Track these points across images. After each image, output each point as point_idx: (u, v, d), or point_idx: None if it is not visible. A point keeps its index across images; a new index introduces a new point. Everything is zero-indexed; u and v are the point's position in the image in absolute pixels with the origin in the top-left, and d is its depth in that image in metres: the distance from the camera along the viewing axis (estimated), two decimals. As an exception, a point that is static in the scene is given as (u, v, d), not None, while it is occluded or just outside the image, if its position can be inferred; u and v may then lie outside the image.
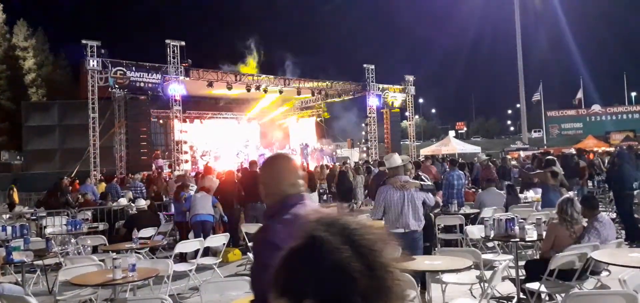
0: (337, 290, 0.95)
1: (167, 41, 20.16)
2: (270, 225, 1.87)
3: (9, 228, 7.73)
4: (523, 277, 5.35)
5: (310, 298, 0.96)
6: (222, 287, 4.63)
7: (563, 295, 4.56)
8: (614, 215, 9.76)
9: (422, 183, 5.90)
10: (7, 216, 11.40)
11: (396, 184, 5.67)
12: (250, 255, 5.99)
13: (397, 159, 5.92)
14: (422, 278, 4.84)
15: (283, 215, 1.90)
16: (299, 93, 25.29)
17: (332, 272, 0.96)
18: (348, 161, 23.61)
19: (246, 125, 28.73)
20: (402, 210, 5.56)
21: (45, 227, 9.49)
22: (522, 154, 26.37)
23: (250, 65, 27.35)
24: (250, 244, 8.22)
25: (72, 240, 8.03)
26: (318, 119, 29.79)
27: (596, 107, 46.29)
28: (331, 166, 16.18)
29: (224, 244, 7.47)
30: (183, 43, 20.36)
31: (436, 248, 7.51)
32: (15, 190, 16.20)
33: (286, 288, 1.00)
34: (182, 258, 7.64)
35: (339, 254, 0.97)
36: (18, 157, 41.11)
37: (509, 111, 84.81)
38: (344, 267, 0.96)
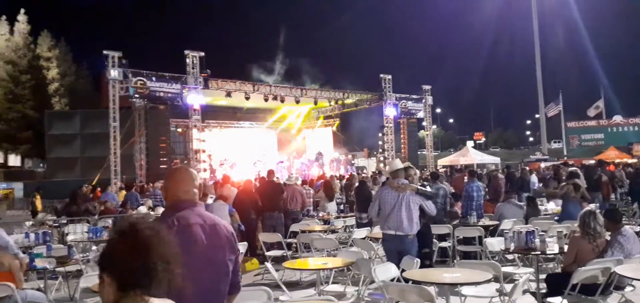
0: (133, 264, 1.55)
1: (187, 52, 20.45)
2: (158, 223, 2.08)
3: (32, 235, 7.87)
4: (544, 291, 5.26)
5: (117, 267, 1.57)
6: (240, 296, 4.64)
7: (586, 310, 4.49)
8: (638, 229, 9.54)
9: (419, 187, 5.82)
10: (30, 223, 11.62)
11: (392, 185, 5.74)
12: (268, 264, 6.00)
13: (397, 163, 6.06)
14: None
15: (170, 217, 2.30)
16: (315, 103, 25.37)
17: (134, 251, 1.57)
18: (365, 171, 23.57)
19: (263, 134, 28.90)
20: (394, 211, 5.60)
21: (67, 234, 9.64)
22: (542, 165, 26.00)
23: (271, 75, 27.64)
24: (267, 253, 8.25)
25: (93, 247, 8.13)
26: (334, 129, 29.83)
27: (618, 118, 45.37)
28: (347, 176, 16.12)
29: (241, 253, 7.50)
30: (202, 53, 20.63)
31: (455, 260, 7.45)
32: (38, 197, 16.52)
33: (108, 266, 1.60)
34: (200, 266, 7.68)
35: (140, 239, 1.59)
36: (41, 165, 42.00)
37: (528, 122, 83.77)
38: (142, 249, 1.57)
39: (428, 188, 6.19)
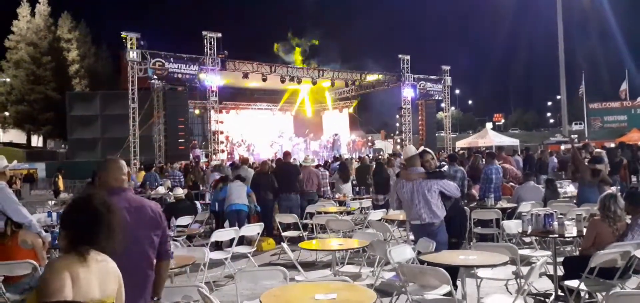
0: (92, 223, 2.12)
1: (204, 33, 20.50)
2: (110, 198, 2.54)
3: (54, 214, 8.04)
4: (561, 274, 5.21)
5: (77, 227, 2.10)
6: (257, 275, 4.70)
7: (604, 294, 4.43)
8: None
9: (429, 171, 5.56)
10: (53, 202, 11.88)
11: (404, 175, 5.65)
12: (284, 244, 6.05)
13: (411, 150, 5.86)
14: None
15: None
16: (333, 84, 25.26)
17: (92, 213, 2.13)
18: (381, 153, 23.49)
19: (280, 116, 28.96)
20: (413, 201, 5.47)
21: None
22: (563, 147, 25.57)
23: (288, 56, 27.54)
24: (284, 234, 8.32)
25: (113, 227, 8.28)
26: (351, 111, 29.71)
27: (642, 99, 44.24)
28: (362, 159, 16.08)
29: (258, 233, 7.58)
30: (219, 35, 20.65)
31: (471, 243, 7.41)
32: (60, 177, 16.86)
33: (65, 223, 2.16)
34: (217, 246, 7.79)
35: (96, 206, 2.15)
36: (63, 145, 42.79)
37: (549, 103, 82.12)
38: (98, 212, 2.13)
39: (445, 168, 6.02)
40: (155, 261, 2.95)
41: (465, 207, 8.04)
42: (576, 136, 31.50)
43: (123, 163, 2.99)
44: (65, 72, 46.45)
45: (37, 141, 50.27)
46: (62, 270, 1.96)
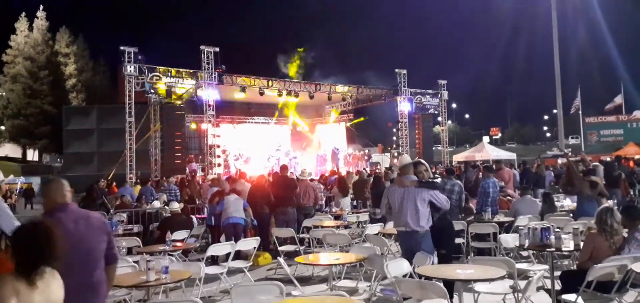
0: (39, 249, 2.46)
1: (202, 47, 20.56)
2: (46, 218, 3.02)
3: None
4: (559, 288, 5.18)
5: (21, 254, 2.46)
6: (253, 291, 4.67)
7: (601, 308, 4.42)
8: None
9: (420, 180, 5.62)
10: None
11: (397, 181, 5.74)
12: (280, 259, 6.02)
13: (405, 159, 5.97)
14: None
15: (53, 215, 3.18)
16: (330, 98, 25.33)
17: (38, 239, 2.48)
18: (379, 166, 23.50)
19: (277, 129, 28.96)
20: (401, 207, 5.54)
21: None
22: (559, 161, 25.62)
23: (286, 70, 27.59)
24: (280, 248, 8.28)
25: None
26: (348, 124, 29.75)
27: (638, 113, 44.50)
28: (359, 172, 16.06)
29: (254, 248, 7.53)
30: (217, 49, 20.73)
31: (469, 257, 7.38)
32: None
33: (12, 249, 2.52)
34: (213, 261, 7.74)
35: (40, 233, 2.50)
36: (58, 159, 42.66)
37: (546, 117, 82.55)
38: (42, 238, 2.48)
39: (438, 180, 6.03)
40: (104, 265, 3.30)
41: (463, 221, 8.05)
42: (570, 149, 31.54)
43: (65, 182, 3.39)
44: (62, 86, 46.47)
45: (32, 155, 50.11)
46: (7, 285, 2.33)
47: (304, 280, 7.06)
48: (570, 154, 12.95)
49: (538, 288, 5.39)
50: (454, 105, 68.74)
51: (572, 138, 54.46)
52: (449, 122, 36.96)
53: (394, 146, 28.76)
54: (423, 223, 5.48)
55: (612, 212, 5.08)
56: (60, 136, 31.24)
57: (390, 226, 7.75)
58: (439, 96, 27.86)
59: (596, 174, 8.10)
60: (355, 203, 12.79)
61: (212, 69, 20.55)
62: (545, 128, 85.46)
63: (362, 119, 29.48)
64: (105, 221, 3.43)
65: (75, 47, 49.54)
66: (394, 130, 27.94)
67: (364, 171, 16.39)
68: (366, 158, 27.89)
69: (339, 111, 29.61)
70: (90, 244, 3.20)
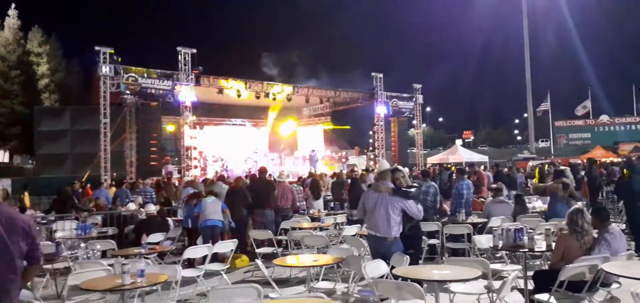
0: None
1: (179, 48, 20.35)
2: None
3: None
4: (531, 288, 5.30)
5: None
6: (230, 293, 4.64)
7: (572, 306, 4.54)
8: (624, 226, 9.67)
9: (394, 187, 5.70)
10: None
11: (374, 186, 5.83)
12: (258, 261, 6.01)
13: (384, 165, 6.08)
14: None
15: None
16: (307, 101, 25.35)
17: None
18: (355, 169, 23.63)
19: (255, 132, 28.85)
20: (374, 212, 5.64)
21: (55, 231, 9.57)
22: (530, 163, 26.21)
23: (263, 72, 27.46)
24: (258, 250, 8.25)
25: (82, 245, 8.08)
26: (325, 127, 29.83)
27: (604, 118, 45.99)
28: (337, 174, 16.14)
29: (232, 250, 7.49)
30: (194, 50, 20.55)
31: (444, 257, 7.48)
32: (26, 194, 16.35)
33: None
34: (190, 263, 7.67)
35: None
36: (30, 161, 41.62)
37: (517, 121, 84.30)
38: None
39: (413, 189, 6.07)
40: (20, 266, 3.37)
41: (438, 222, 8.17)
42: (543, 156, 32.31)
43: None
44: (34, 86, 45.31)
45: (2, 156, 48.73)
46: None
47: (282, 282, 7.06)
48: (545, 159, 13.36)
49: (511, 288, 5.50)
50: (428, 109, 69.60)
51: (542, 141, 55.76)
52: (424, 125, 37.28)
53: (371, 148, 28.94)
54: (393, 230, 5.56)
55: (582, 213, 5.22)
56: (31, 137, 30.48)
57: (366, 228, 7.81)
58: (414, 99, 28.24)
59: (565, 176, 8.32)
60: (332, 204, 12.83)
61: (189, 70, 20.37)
62: (516, 132, 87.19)
63: (347, 127, 29.64)
64: (32, 224, 3.47)
65: (48, 47, 48.35)
66: (371, 133, 28.14)
67: (342, 172, 16.48)
68: (343, 160, 28.04)
69: (315, 115, 29.64)
70: (8, 243, 3.25)
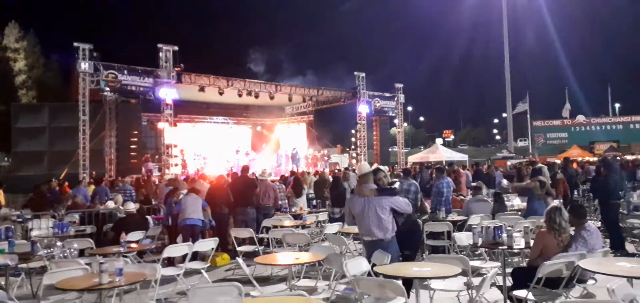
0: None
1: (160, 45, 20.11)
2: None
3: (-7, 231, 7.61)
4: (510, 285, 5.37)
5: None
6: (210, 292, 4.60)
7: (550, 302, 4.60)
8: (599, 224, 9.86)
9: (378, 188, 5.62)
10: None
11: (357, 191, 5.72)
12: (239, 259, 5.96)
13: (365, 167, 5.92)
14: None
15: None
16: (290, 99, 25.30)
17: None
18: (338, 167, 23.67)
19: (237, 130, 28.70)
20: (363, 217, 5.51)
21: (31, 230, 9.38)
22: (509, 162, 26.61)
23: (245, 71, 27.34)
24: (239, 249, 8.20)
25: (59, 243, 7.93)
26: (308, 126, 29.82)
27: (581, 118, 47.02)
28: (320, 172, 16.14)
29: (212, 248, 7.43)
30: (176, 48, 20.34)
31: (424, 255, 7.54)
32: (1, 191, 15.99)
33: None
34: (170, 262, 7.59)
35: None
36: (6, 159, 40.73)
37: (496, 120, 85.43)
38: None
39: (397, 185, 6.07)
40: None
41: (418, 220, 8.20)
42: (522, 156, 32.85)
43: None
44: (10, 83, 44.36)
45: (-23, 154, 47.62)
46: None
47: (263, 281, 7.03)
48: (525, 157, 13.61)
49: (490, 285, 5.56)
50: (409, 108, 70.12)
51: (521, 140, 56.68)
52: (405, 124, 37.49)
53: (353, 147, 29.03)
54: (387, 230, 5.45)
55: (560, 211, 5.30)
56: (8, 135, 29.84)
57: (348, 226, 7.80)
58: (396, 99, 28.41)
59: (542, 174, 8.44)
60: (314, 202, 12.82)
61: (170, 67, 20.14)
62: (495, 131, 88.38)
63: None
64: None
65: (25, 43, 47.36)
66: (353, 131, 28.24)
67: (324, 171, 16.49)
68: (326, 158, 28.07)
69: (299, 112, 29.57)
70: None
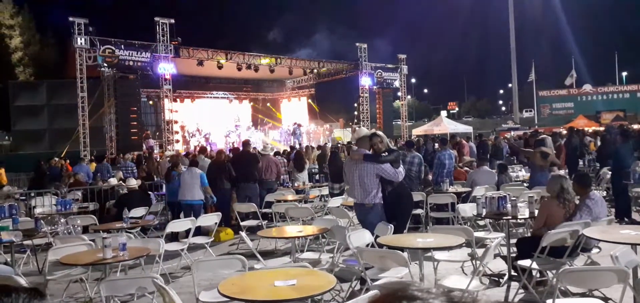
0: None
1: (157, 19, 19.87)
2: None
3: (-4, 209, 7.61)
4: (514, 255, 5.37)
5: None
6: (214, 265, 4.60)
7: (554, 271, 4.60)
8: (604, 193, 9.83)
9: (366, 153, 5.65)
10: (-5, 197, 11.24)
11: (351, 155, 5.97)
12: (243, 233, 5.96)
13: (362, 131, 6.14)
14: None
15: None
16: (290, 72, 25.10)
17: None
18: (337, 142, 23.62)
19: (237, 105, 28.58)
20: (352, 180, 5.73)
21: (34, 207, 9.39)
22: (514, 134, 26.52)
23: (245, 44, 27.03)
24: (242, 223, 8.20)
25: (62, 220, 7.94)
26: (309, 100, 29.67)
27: (587, 87, 46.54)
28: (321, 147, 16.10)
29: (215, 223, 7.43)
30: (172, 21, 20.10)
31: (428, 227, 7.54)
32: (2, 170, 16.01)
33: None
34: (173, 237, 7.60)
35: None
36: (6, 137, 40.70)
37: (501, 91, 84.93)
38: None
39: (393, 153, 5.91)
40: None
41: (422, 192, 8.19)
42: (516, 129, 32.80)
43: None
44: (7, 60, 44.05)
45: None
46: None
47: (267, 254, 7.05)
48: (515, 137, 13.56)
49: (495, 255, 5.57)
50: (413, 80, 69.70)
51: (526, 111, 56.38)
52: (409, 97, 37.31)
53: (356, 120, 28.92)
54: (369, 196, 5.57)
55: (565, 180, 5.27)
56: (7, 113, 29.78)
57: (351, 198, 7.79)
58: (399, 70, 28.09)
59: (545, 145, 8.39)
60: (317, 177, 12.80)
61: (167, 41, 19.93)
62: (500, 102, 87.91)
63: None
64: None
65: (20, 19, 46.87)
66: (356, 104, 28.08)
67: (326, 145, 16.44)
68: (328, 132, 27.99)
69: (300, 86, 29.39)
70: None
